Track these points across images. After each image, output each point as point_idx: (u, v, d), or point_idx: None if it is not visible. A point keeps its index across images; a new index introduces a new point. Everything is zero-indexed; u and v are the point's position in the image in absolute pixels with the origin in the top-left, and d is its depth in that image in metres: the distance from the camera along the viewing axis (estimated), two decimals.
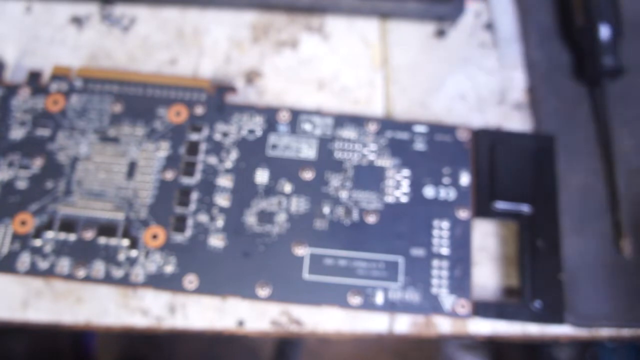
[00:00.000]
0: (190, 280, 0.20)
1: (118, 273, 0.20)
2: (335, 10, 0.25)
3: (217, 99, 0.22)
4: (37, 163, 0.21)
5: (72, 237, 0.20)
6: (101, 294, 0.21)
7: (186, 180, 0.21)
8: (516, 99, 0.24)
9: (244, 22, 0.25)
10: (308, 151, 0.22)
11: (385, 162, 0.21)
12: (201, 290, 0.20)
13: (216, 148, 0.22)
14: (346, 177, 0.21)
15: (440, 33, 0.25)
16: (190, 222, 0.21)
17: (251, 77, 0.24)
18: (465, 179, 0.21)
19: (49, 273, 0.20)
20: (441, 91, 0.24)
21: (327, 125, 0.22)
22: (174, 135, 0.22)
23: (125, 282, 0.20)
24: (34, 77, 0.23)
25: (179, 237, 0.20)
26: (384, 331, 0.21)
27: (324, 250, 0.20)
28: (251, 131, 0.22)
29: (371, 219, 0.21)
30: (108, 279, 0.20)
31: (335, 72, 0.24)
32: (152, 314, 0.21)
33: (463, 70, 0.24)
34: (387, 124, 0.22)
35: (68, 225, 0.21)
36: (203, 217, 0.21)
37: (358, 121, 0.22)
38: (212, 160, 0.21)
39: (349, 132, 0.22)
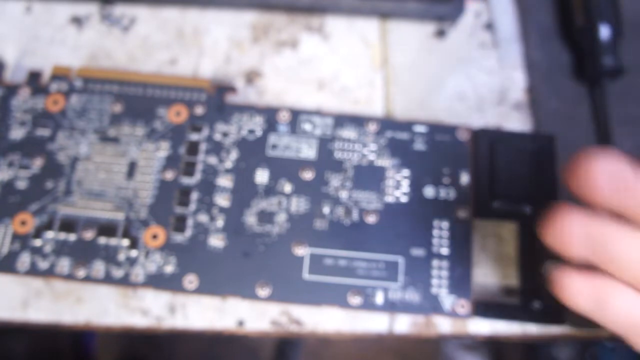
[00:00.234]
0: (190, 280, 0.20)
1: (118, 273, 0.20)
2: (335, 10, 0.25)
3: (217, 99, 0.22)
4: (37, 163, 0.21)
5: (72, 237, 0.20)
6: (101, 294, 0.21)
7: (186, 180, 0.21)
8: (516, 99, 0.24)
9: (244, 22, 0.25)
10: (308, 151, 0.22)
11: (385, 162, 0.21)
12: (201, 290, 0.20)
13: (216, 148, 0.22)
14: (346, 177, 0.21)
15: (440, 33, 0.25)
16: (190, 222, 0.21)
17: (251, 77, 0.24)
18: (465, 178, 0.21)
19: (49, 273, 0.20)
20: (441, 91, 0.24)
21: (327, 125, 0.22)
22: (174, 135, 0.22)
23: (125, 282, 0.20)
24: (34, 77, 0.23)
25: (179, 237, 0.20)
26: (384, 331, 0.21)
27: (324, 250, 0.20)
28: (251, 131, 0.22)
29: (371, 219, 0.21)
30: (108, 279, 0.20)
31: (335, 72, 0.24)
32: (152, 314, 0.21)
33: (463, 70, 0.24)
34: (387, 124, 0.22)
35: (68, 225, 0.21)
36: (203, 217, 0.21)
37: (358, 121, 0.22)
38: (212, 160, 0.21)
39: (349, 132, 0.22)
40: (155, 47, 0.25)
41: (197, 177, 0.21)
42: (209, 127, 0.22)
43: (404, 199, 0.21)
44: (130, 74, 0.23)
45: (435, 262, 0.20)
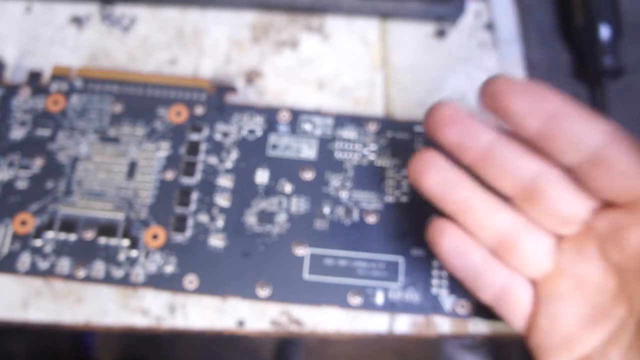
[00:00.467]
0: (191, 280, 0.20)
1: (118, 273, 0.20)
2: (335, 10, 0.25)
3: (217, 99, 0.22)
4: (37, 163, 0.21)
5: (72, 237, 0.20)
6: (101, 294, 0.21)
7: (186, 180, 0.21)
8: None
9: (244, 22, 0.25)
10: (308, 151, 0.22)
11: (386, 162, 0.21)
12: (201, 290, 0.20)
13: (216, 148, 0.22)
14: (346, 177, 0.21)
15: (440, 33, 0.25)
16: (190, 222, 0.21)
17: (251, 77, 0.24)
18: None
19: (49, 273, 0.20)
20: (441, 91, 0.24)
21: (327, 125, 0.22)
22: (174, 135, 0.22)
23: (125, 282, 0.20)
24: (34, 77, 0.23)
25: (179, 237, 0.20)
26: (384, 331, 0.21)
27: (324, 250, 0.20)
28: (251, 131, 0.22)
29: (371, 219, 0.21)
30: (108, 279, 0.20)
31: (335, 72, 0.24)
32: (152, 314, 0.21)
33: (463, 70, 0.24)
34: (387, 124, 0.22)
35: (68, 225, 0.21)
36: (203, 217, 0.21)
37: (358, 121, 0.22)
38: (212, 160, 0.21)
39: (349, 132, 0.22)
40: (155, 47, 0.25)
41: (198, 177, 0.21)
42: (209, 127, 0.22)
43: (404, 199, 0.21)
44: (131, 74, 0.23)
45: (435, 262, 0.20)
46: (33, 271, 0.20)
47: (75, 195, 0.21)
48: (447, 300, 0.20)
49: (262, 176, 0.21)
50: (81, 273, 0.20)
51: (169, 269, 0.20)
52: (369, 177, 0.21)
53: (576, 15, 0.24)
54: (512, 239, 0.17)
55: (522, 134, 0.16)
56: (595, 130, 0.15)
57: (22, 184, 0.21)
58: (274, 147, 0.22)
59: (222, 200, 0.21)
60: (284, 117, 0.22)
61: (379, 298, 0.20)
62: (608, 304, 0.16)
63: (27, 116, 0.22)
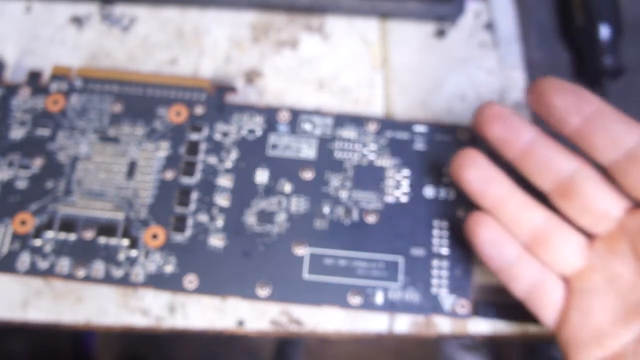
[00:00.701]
0: (191, 280, 0.20)
1: (118, 273, 0.20)
2: (335, 11, 0.25)
3: (217, 99, 0.22)
4: (37, 163, 0.21)
5: (72, 237, 0.20)
6: (101, 294, 0.21)
7: (186, 180, 0.21)
8: (516, 99, 0.24)
9: (244, 22, 0.25)
10: (308, 151, 0.22)
11: (386, 162, 0.21)
12: (201, 290, 0.20)
13: (216, 148, 0.22)
14: (346, 177, 0.21)
15: (441, 33, 0.25)
16: (190, 222, 0.21)
17: (251, 77, 0.24)
18: None
19: (49, 273, 0.20)
20: (441, 91, 0.24)
21: (327, 125, 0.22)
22: (174, 135, 0.22)
23: (125, 282, 0.20)
24: (34, 77, 0.23)
25: (179, 237, 0.20)
26: (384, 331, 0.21)
27: (324, 251, 0.20)
28: (251, 131, 0.22)
29: (371, 219, 0.21)
30: (108, 279, 0.20)
31: (336, 72, 0.24)
32: (152, 314, 0.21)
33: (463, 70, 0.24)
34: (387, 124, 0.22)
35: (68, 225, 0.21)
36: (203, 217, 0.21)
37: (358, 121, 0.22)
38: (212, 160, 0.21)
39: (349, 132, 0.22)
40: (155, 47, 0.25)
41: (197, 177, 0.21)
42: (209, 127, 0.22)
43: (404, 199, 0.21)
44: (131, 74, 0.23)
45: (435, 262, 0.20)
46: (33, 271, 0.20)
47: (75, 195, 0.21)
48: (447, 300, 0.20)
49: (262, 176, 0.21)
50: (81, 273, 0.20)
51: (169, 269, 0.20)
52: (369, 177, 0.21)
53: (576, 15, 0.24)
54: (546, 235, 0.18)
55: (563, 131, 0.17)
56: (632, 131, 0.16)
57: (22, 184, 0.21)
58: (274, 147, 0.22)
59: (222, 200, 0.21)
60: (284, 117, 0.22)
61: (379, 298, 0.20)
62: None
63: (27, 116, 0.22)
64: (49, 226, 0.21)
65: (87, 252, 0.20)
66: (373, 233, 0.20)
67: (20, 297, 0.21)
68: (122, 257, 0.20)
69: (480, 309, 0.20)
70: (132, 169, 0.21)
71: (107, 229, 0.21)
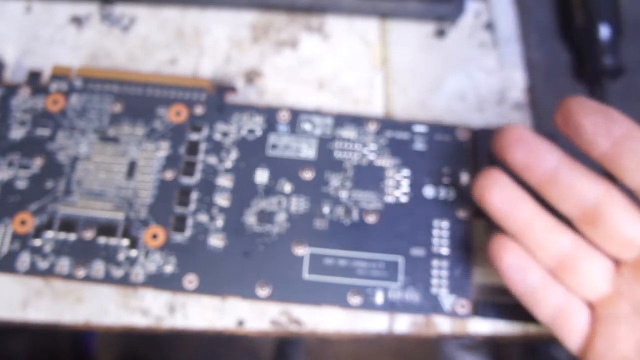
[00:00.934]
0: (190, 280, 0.20)
1: (118, 273, 0.20)
2: (335, 10, 0.25)
3: (217, 99, 0.22)
4: (37, 163, 0.21)
5: (72, 237, 0.20)
6: (101, 294, 0.21)
7: (186, 180, 0.21)
8: (516, 99, 0.24)
9: (244, 22, 0.25)
10: (308, 151, 0.22)
11: (385, 162, 0.21)
12: (201, 290, 0.20)
13: (216, 148, 0.22)
14: (346, 177, 0.21)
15: (440, 33, 0.25)
16: (190, 222, 0.21)
17: (251, 77, 0.24)
18: (465, 178, 0.21)
19: (49, 273, 0.20)
20: (441, 91, 0.24)
21: (327, 125, 0.22)
22: (174, 135, 0.22)
23: (125, 282, 0.20)
24: (34, 77, 0.23)
25: (179, 237, 0.20)
26: (384, 331, 0.21)
27: (324, 250, 0.20)
28: (251, 131, 0.22)
29: (371, 219, 0.21)
30: (108, 279, 0.20)
31: (336, 72, 0.24)
32: (152, 314, 0.21)
33: (463, 70, 0.24)
34: (387, 124, 0.22)
35: (68, 225, 0.21)
36: (203, 217, 0.21)
37: (358, 121, 0.22)
38: (212, 160, 0.21)
39: (349, 132, 0.22)
40: (155, 47, 0.25)
41: (197, 177, 0.21)
42: (209, 127, 0.22)
43: (404, 199, 0.21)
44: (131, 74, 0.23)
45: (435, 262, 0.20)
46: (33, 271, 0.20)
47: (75, 195, 0.21)
48: (447, 300, 0.20)
49: (262, 176, 0.21)
50: (81, 273, 0.20)
51: (169, 269, 0.20)
52: (369, 177, 0.21)
53: (576, 15, 0.24)
54: (571, 261, 0.17)
55: (591, 153, 0.16)
56: None
57: (22, 184, 0.21)
58: (274, 147, 0.22)
59: (222, 200, 0.21)
60: (284, 117, 0.22)
61: (379, 298, 0.20)
62: None
63: (27, 116, 0.22)
64: (48, 226, 0.21)
65: (87, 252, 0.20)
66: (373, 233, 0.20)
67: (20, 297, 0.21)
68: (122, 257, 0.20)
69: (480, 309, 0.20)
70: (132, 169, 0.21)
71: (107, 229, 0.21)
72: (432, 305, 0.20)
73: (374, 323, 0.21)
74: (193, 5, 0.25)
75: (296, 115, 0.22)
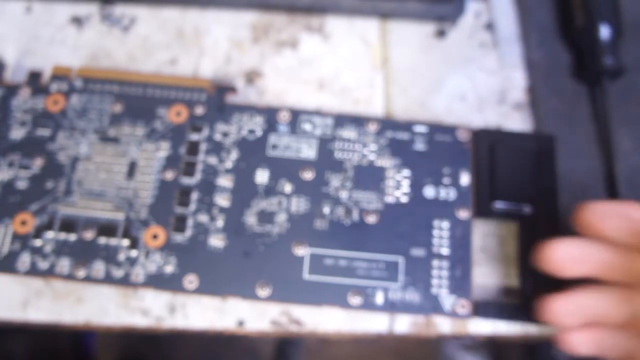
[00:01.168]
0: (190, 280, 0.20)
1: (118, 273, 0.20)
2: (335, 10, 0.25)
3: (217, 99, 0.22)
4: (37, 163, 0.21)
5: (72, 237, 0.20)
6: (101, 294, 0.21)
7: (186, 180, 0.21)
8: (516, 99, 0.24)
9: (244, 22, 0.25)
10: (308, 151, 0.22)
11: (385, 162, 0.21)
12: (201, 290, 0.20)
13: (216, 148, 0.22)
14: (346, 177, 0.21)
15: (440, 33, 0.25)
16: (190, 222, 0.21)
17: (251, 77, 0.24)
18: (465, 179, 0.21)
19: (49, 273, 0.20)
20: (441, 91, 0.24)
21: (327, 125, 0.22)
22: (174, 135, 0.22)
23: (125, 282, 0.20)
24: (34, 77, 0.23)
25: (179, 237, 0.20)
26: (384, 331, 0.21)
27: (324, 250, 0.20)
28: (251, 131, 0.22)
29: (371, 219, 0.21)
30: (108, 279, 0.20)
31: (336, 72, 0.24)
32: (152, 314, 0.21)
33: (463, 70, 0.24)
34: (387, 124, 0.22)
35: (68, 225, 0.21)
36: (203, 217, 0.21)
37: (358, 121, 0.22)
38: (212, 160, 0.21)
39: (349, 132, 0.22)
40: (155, 47, 0.25)
41: (197, 177, 0.21)
42: (209, 127, 0.22)
43: (404, 199, 0.21)
44: (131, 74, 0.23)
45: (435, 262, 0.20)
46: (33, 271, 0.20)
47: (75, 195, 0.21)
48: (447, 300, 0.20)
49: (262, 176, 0.21)
50: (81, 273, 0.20)
51: (169, 269, 0.20)
52: (369, 177, 0.21)
53: (576, 15, 0.24)
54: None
55: (618, 246, 0.17)
56: None
57: (22, 184, 0.21)
58: (274, 147, 0.22)
59: (222, 200, 0.21)
60: (284, 117, 0.22)
61: (379, 298, 0.20)
62: None
63: (27, 116, 0.22)
64: (49, 226, 0.21)
65: (87, 252, 0.20)
66: (373, 233, 0.20)
67: (20, 297, 0.21)
68: (122, 257, 0.20)
69: (480, 309, 0.20)
70: (132, 169, 0.21)
71: (107, 229, 0.21)
72: (432, 305, 0.20)
73: (374, 323, 0.21)
74: (193, 5, 0.25)
75: (296, 115, 0.22)
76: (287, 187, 0.21)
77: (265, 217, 0.21)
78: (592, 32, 0.23)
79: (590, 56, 0.23)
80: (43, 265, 0.20)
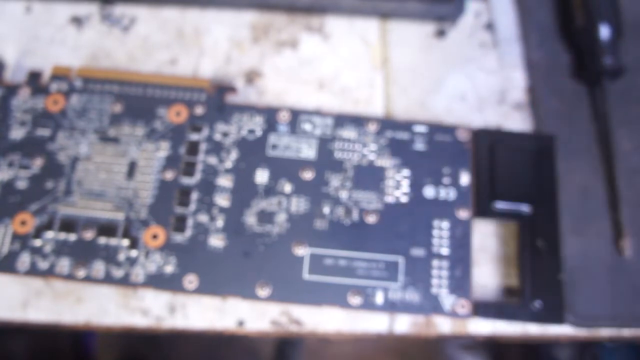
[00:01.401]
0: (190, 280, 0.20)
1: (118, 273, 0.20)
2: (335, 10, 0.25)
3: (217, 99, 0.22)
4: (37, 163, 0.21)
5: (72, 237, 0.20)
6: (101, 294, 0.21)
7: (186, 180, 0.21)
8: (516, 99, 0.24)
9: (244, 22, 0.25)
10: (308, 151, 0.22)
11: (385, 162, 0.21)
12: (201, 290, 0.20)
13: (216, 148, 0.22)
14: (346, 177, 0.21)
15: (440, 33, 0.25)
16: (190, 222, 0.21)
17: (251, 77, 0.24)
18: (465, 179, 0.21)
19: (49, 273, 0.20)
20: (441, 91, 0.24)
21: (327, 125, 0.22)
22: (174, 135, 0.22)
23: (125, 282, 0.20)
24: (34, 77, 0.23)
25: (179, 237, 0.20)
26: (384, 331, 0.21)
27: (324, 250, 0.20)
28: (251, 131, 0.22)
29: (371, 219, 0.21)
30: (108, 279, 0.20)
31: (335, 72, 0.24)
32: (152, 314, 0.21)
33: (463, 70, 0.24)
34: (387, 124, 0.22)
35: (68, 225, 0.21)
36: (203, 217, 0.21)
37: (358, 121, 0.22)
38: (212, 160, 0.21)
39: (349, 132, 0.22)
40: (155, 47, 0.25)
41: (197, 177, 0.21)
42: (209, 127, 0.22)
43: (404, 199, 0.21)
44: (131, 74, 0.23)
45: (435, 262, 0.20)
46: (33, 271, 0.20)
47: (75, 195, 0.21)
48: (447, 300, 0.20)
49: (262, 176, 0.21)
50: (81, 273, 0.20)
51: (169, 269, 0.20)
52: (369, 177, 0.21)
53: (576, 15, 0.24)
54: None
55: None
56: None
57: (22, 184, 0.21)
58: (274, 147, 0.22)
59: (222, 200, 0.21)
60: (283, 117, 0.22)
61: (379, 298, 0.20)
62: None
63: (27, 116, 0.22)
64: (48, 226, 0.21)
65: (87, 252, 0.20)
66: (373, 233, 0.20)
67: (20, 297, 0.21)
68: (122, 257, 0.20)
69: (480, 309, 0.20)
70: (132, 169, 0.21)
71: (107, 229, 0.21)
72: (432, 305, 0.20)
73: (374, 323, 0.21)
74: (193, 5, 0.25)
75: (296, 115, 0.22)
76: (287, 187, 0.21)
77: (265, 217, 0.21)
78: (592, 32, 0.23)
79: (590, 56, 0.23)
80: (43, 265, 0.20)
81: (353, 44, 0.25)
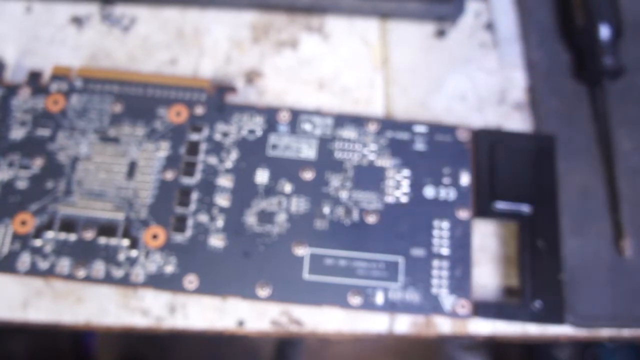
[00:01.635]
0: (191, 280, 0.20)
1: (118, 273, 0.20)
2: (335, 10, 0.25)
3: (217, 99, 0.22)
4: (37, 163, 0.21)
5: (72, 237, 0.20)
6: (101, 294, 0.21)
7: (186, 180, 0.21)
8: (516, 99, 0.24)
9: (244, 22, 0.25)
10: (308, 151, 0.22)
11: (385, 162, 0.21)
12: (201, 290, 0.20)
13: (216, 148, 0.22)
14: (346, 177, 0.21)
15: (440, 33, 0.25)
16: (190, 222, 0.21)
17: (251, 77, 0.24)
18: (465, 179, 0.21)
19: (49, 273, 0.20)
20: (441, 91, 0.24)
21: (327, 125, 0.22)
22: (174, 135, 0.22)
23: (125, 282, 0.20)
24: (34, 77, 0.23)
25: (179, 237, 0.20)
26: (384, 331, 0.21)
27: (324, 250, 0.20)
28: (251, 131, 0.22)
29: (371, 219, 0.21)
30: (108, 279, 0.20)
31: (335, 72, 0.24)
32: (152, 314, 0.21)
33: (463, 70, 0.24)
34: (387, 124, 0.22)
35: (68, 225, 0.21)
36: (203, 217, 0.21)
37: (358, 121, 0.22)
38: (212, 160, 0.21)
39: (349, 132, 0.22)
40: (155, 47, 0.25)
41: (197, 177, 0.21)
42: (209, 127, 0.22)
43: (404, 199, 0.21)
44: (131, 74, 0.23)
45: (435, 262, 0.20)
46: (33, 271, 0.20)
47: (75, 195, 0.21)
48: (447, 300, 0.20)
49: (262, 176, 0.21)
50: (81, 273, 0.20)
51: (169, 269, 0.20)
52: (369, 177, 0.21)
53: (576, 15, 0.24)
54: None
55: None
56: None
57: (22, 184, 0.21)
58: (274, 147, 0.22)
59: (222, 200, 0.21)
60: (284, 117, 0.22)
61: (379, 298, 0.20)
62: None
63: (27, 116, 0.22)
64: (49, 226, 0.21)
65: (87, 252, 0.20)
66: (373, 233, 0.20)
67: (20, 297, 0.21)
68: (122, 257, 0.20)
69: (480, 309, 0.20)
70: (132, 169, 0.21)
71: (107, 229, 0.21)
72: (432, 305, 0.20)
73: (374, 323, 0.21)
74: (193, 5, 0.25)
75: (296, 115, 0.22)
76: (287, 187, 0.21)
77: (265, 217, 0.21)
78: (592, 32, 0.23)
79: (590, 56, 0.23)
80: (43, 265, 0.20)
81: (353, 44, 0.25)
